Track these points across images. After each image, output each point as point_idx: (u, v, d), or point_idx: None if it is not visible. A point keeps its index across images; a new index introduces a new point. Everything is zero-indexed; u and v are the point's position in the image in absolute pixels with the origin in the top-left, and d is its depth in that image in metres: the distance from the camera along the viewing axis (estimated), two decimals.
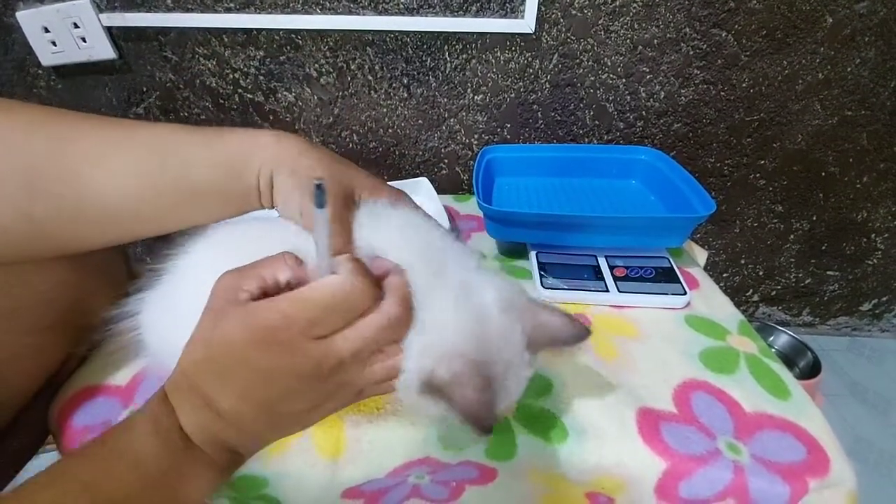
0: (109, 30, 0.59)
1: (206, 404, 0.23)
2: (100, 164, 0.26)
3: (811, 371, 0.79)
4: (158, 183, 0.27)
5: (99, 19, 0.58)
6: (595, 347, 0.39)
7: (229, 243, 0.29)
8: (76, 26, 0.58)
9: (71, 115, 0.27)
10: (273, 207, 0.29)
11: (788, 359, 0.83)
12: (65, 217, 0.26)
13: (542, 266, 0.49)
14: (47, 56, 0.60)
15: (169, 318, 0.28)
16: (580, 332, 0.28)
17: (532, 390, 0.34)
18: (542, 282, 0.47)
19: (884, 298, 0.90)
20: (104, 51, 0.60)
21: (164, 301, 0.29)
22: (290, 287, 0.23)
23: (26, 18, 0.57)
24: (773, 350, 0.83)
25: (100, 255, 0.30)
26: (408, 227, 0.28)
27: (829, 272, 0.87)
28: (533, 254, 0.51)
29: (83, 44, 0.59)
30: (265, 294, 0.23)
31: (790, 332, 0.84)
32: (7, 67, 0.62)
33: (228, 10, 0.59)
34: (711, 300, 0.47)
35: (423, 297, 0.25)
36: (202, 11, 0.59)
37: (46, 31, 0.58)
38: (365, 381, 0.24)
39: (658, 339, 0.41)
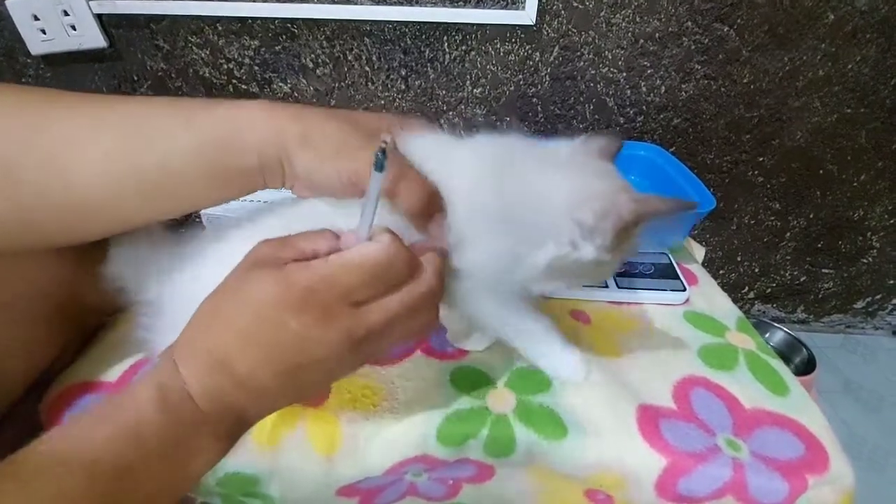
0: (100, 17, 0.58)
1: (223, 367, 0.21)
2: (77, 151, 0.25)
3: (806, 368, 0.80)
4: (140, 169, 0.25)
5: (89, 7, 0.56)
6: (595, 344, 0.39)
7: (270, 232, 0.27)
8: (66, 14, 0.56)
9: (44, 96, 0.26)
10: (283, 187, 0.27)
11: (784, 355, 0.83)
12: (51, 205, 0.25)
13: None
14: (37, 44, 0.58)
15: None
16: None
17: (530, 386, 0.34)
18: None
19: (877, 296, 0.91)
20: (94, 39, 0.58)
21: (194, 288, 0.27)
22: None
23: (16, 6, 0.56)
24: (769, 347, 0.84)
25: (96, 249, 0.29)
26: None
27: (824, 270, 0.88)
28: None
29: (73, 32, 0.58)
30: None
31: (785, 329, 0.84)
32: None
33: None
34: (710, 296, 0.47)
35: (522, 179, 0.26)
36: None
37: (36, 18, 0.56)
38: (387, 346, 0.24)
39: (657, 335, 0.41)
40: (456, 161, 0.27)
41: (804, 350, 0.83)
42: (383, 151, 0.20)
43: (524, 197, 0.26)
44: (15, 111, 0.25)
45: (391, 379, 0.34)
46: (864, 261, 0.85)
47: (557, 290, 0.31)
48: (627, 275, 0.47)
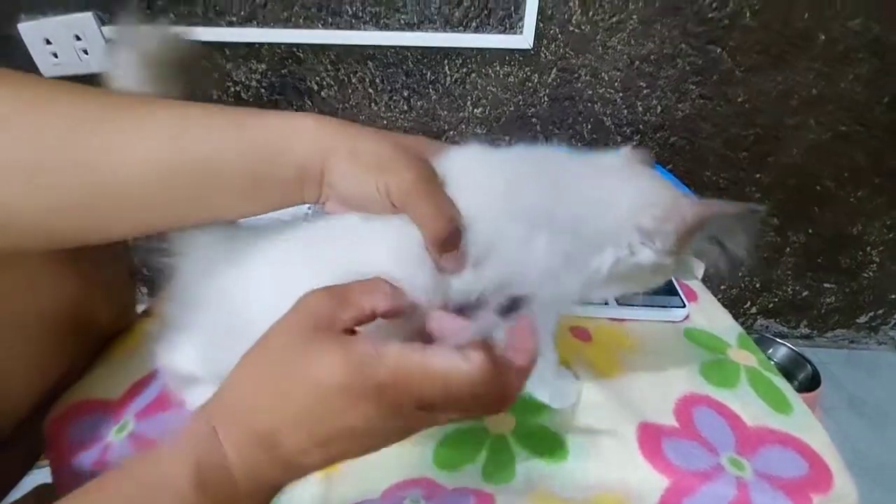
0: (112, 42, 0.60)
1: (270, 445, 0.20)
2: (114, 150, 0.24)
3: (810, 384, 0.79)
4: (178, 168, 0.24)
5: (101, 32, 0.58)
6: (595, 362, 0.39)
7: (295, 254, 0.26)
8: (78, 38, 0.58)
9: (84, 94, 0.25)
10: (317, 202, 0.26)
11: (788, 371, 0.82)
12: (78, 206, 0.24)
13: None
14: (48, 68, 0.60)
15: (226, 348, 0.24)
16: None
17: (529, 406, 0.34)
18: None
19: (880, 311, 0.90)
20: (105, 62, 0.60)
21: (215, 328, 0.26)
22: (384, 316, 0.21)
23: (28, 30, 0.58)
24: (773, 363, 0.83)
25: (106, 269, 0.29)
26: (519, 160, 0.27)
27: (825, 285, 0.88)
28: None
29: (84, 56, 0.60)
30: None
31: (789, 345, 0.84)
32: None
33: (231, 24, 0.60)
34: (710, 313, 0.47)
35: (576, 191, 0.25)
36: (206, 25, 0.59)
37: (48, 42, 0.58)
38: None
39: (658, 352, 0.41)
40: (494, 169, 0.27)
41: (808, 366, 0.82)
42: (512, 307, 0.19)
43: (579, 203, 0.25)
44: (51, 109, 0.24)
45: None
46: (865, 275, 0.85)
47: (612, 294, 0.30)
48: None
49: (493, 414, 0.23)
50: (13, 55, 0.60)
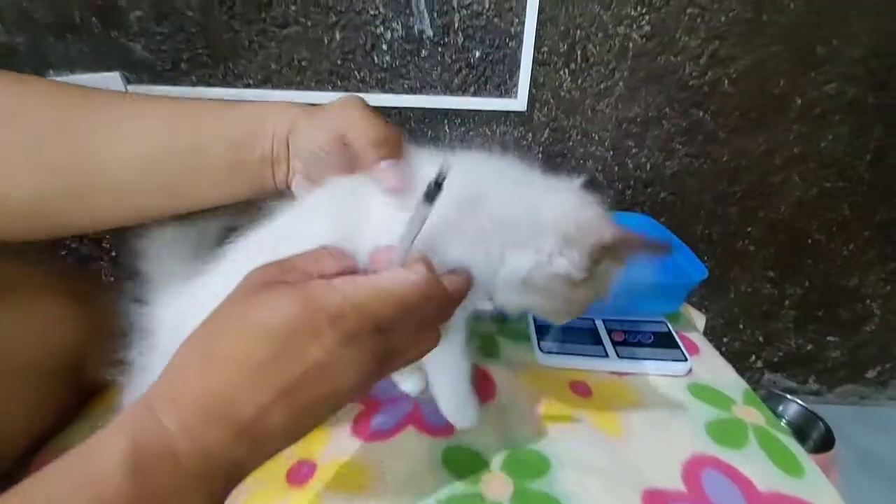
0: None
1: (224, 416, 0.18)
2: (110, 138, 0.26)
3: (824, 444, 0.75)
4: (168, 154, 0.26)
5: (126, 89, 0.63)
6: (596, 420, 0.38)
7: (258, 252, 0.26)
8: None
9: (84, 90, 0.27)
10: (287, 180, 0.27)
11: (800, 430, 0.79)
12: (74, 193, 0.25)
13: (539, 329, 0.49)
14: None
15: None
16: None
17: (527, 471, 0.33)
18: (539, 345, 0.46)
19: (887, 365, 0.88)
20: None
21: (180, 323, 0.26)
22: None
23: None
24: (784, 421, 0.80)
25: (103, 314, 0.30)
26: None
27: (828, 338, 0.86)
28: (530, 316, 0.51)
29: None
30: None
31: (800, 402, 0.81)
32: None
33: (247, 86, 0.64)
34: (713, 367, 0.46)
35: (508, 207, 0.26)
36: (223, 86, 0.64)
37: None
38: (403, 362, 0.23)
39: (661, 409, 0.40)
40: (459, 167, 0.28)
41: (821, 424, 0.79)
42: (438, 184, 0.19)
43: (514, 204, 0.26)
44: (52, 101, 0.26)
45: (380, 458, 0.33)
46: (867, 329, 0.85)
47: (520, 309, 0.30)
48: (627, 343, 0.47)
49: (442, 320, 0.23)
50: None
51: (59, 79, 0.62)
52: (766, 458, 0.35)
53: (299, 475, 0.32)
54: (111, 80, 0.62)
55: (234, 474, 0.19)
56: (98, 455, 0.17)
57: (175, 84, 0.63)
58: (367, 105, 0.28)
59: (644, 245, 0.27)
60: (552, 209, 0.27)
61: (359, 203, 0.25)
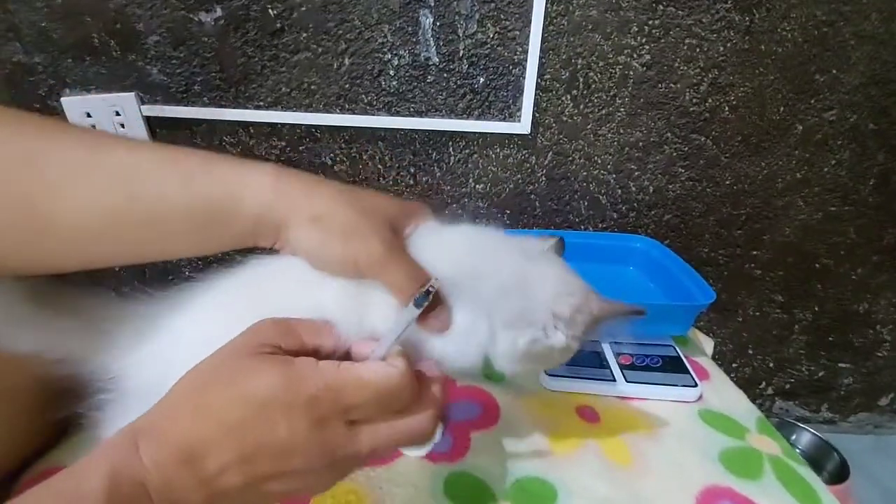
0: (147, 119, 0.66)
1: (193, 462, 0.19)
2: (60, 191, 0.24)
3: (839, 475, 0.72)
4: (124, 219, 0.24)
5: (140, 110, 0.65)
6: (604, 448, 0.37)
7: (241, 304, 0.26)
8: (117, 114, 0.64)
9: (37, 130, 0.25)
10: (273, 247, 0.26)
11: (814, 460, 0.76)
12: (20, 242, 0.24)
13: None
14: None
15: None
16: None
17: (533, 500, 0.32)
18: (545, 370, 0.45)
19: None
20: (139, 135, 0.66)
21: (164, 362, 0.25)
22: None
23: (70, 103, 0.64)
24: (798, 451, 0.77)
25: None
26: (472, 237, 0.30)
27: (840, 364, 0.84)
28: None
29: (121, 129, 0.65)
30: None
31: (812, 431, 0.78)
32: None
33: (258, 107, 0.66)
34: (724, 393, 0.45)
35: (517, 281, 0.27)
36: (235, 107, 0.66)
37: (88, 115, 0.64)
38: (358, 468, 0.23)
39: (672, 436, 0.39)
40: (444, 244, 0.29)
41: (835, 455, 0.76)
42: (428, 294, 0.21)
43: (509, 282, 0.28)
44: (11, 138, 0.24)
45: (379, 483, 0.32)
46: (880, 355, 0.83)
47: (520, 373, 0.31)
48: (634, 367, 0.46)
49: (408, 440, 0.23)
50: None
51: (73, 98, 0.64)
52: (783, 489, 0.34)
53: (295, 501, 0.31)
54: (126, 100, 0.64)
55: None
56: (82, 476, 0.18)
57: (188, 105, 0.65)
58: (397, 240, 0.26)
59: (626, 312, 0.29)
60: (546, 288, 0.28)
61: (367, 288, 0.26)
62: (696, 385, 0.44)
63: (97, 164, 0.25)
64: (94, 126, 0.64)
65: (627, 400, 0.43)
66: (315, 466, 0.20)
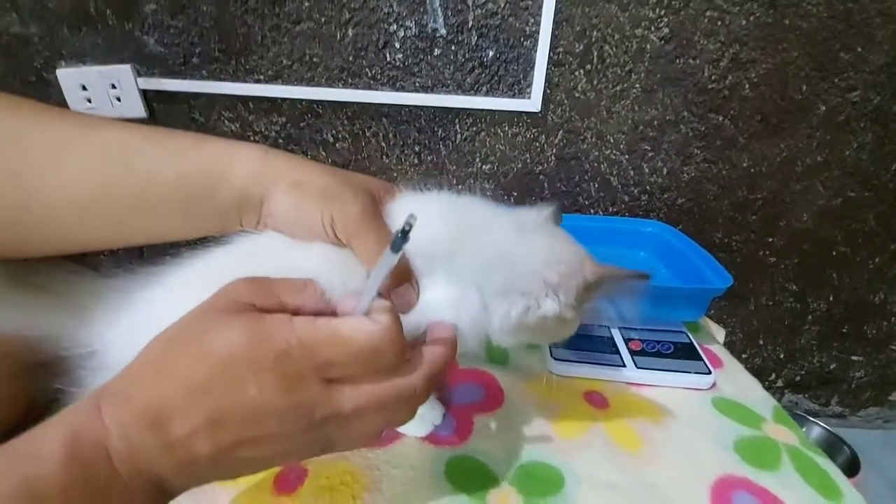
0: (144, 92, 0.64)
1: (157, 425, 0.18)
2: (49, 167, 0.24)
3: (849, 469, 0.71)
4: (115, 192, 0.24)
5: (136, 82, 0.63)
6: (613, 434, 0.35)
7: (221, 276, 0.26)
8: (113, 87, 0.62)
9: (27, 108, 0.25)
10: (256, 227, 0.26)
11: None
12: (8, 221, 0.24)
13: None
14: (81, 111, 0.64)
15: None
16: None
17: (538, 487, 0.30)
18: (551, 352, 0.44)
19: None
20: (135, 110, 0.64)
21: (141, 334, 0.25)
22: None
23: (66, 76, 0.62)
24: None
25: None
26: (451, 203, 0.29)
27: (853, 357, 0.82)
28: None
29: (117, 102, 0.63)
30: None
31: (822, 424, 0.77)
32: None
33: (258, 81, 0.64)
34: (739, 381, 0.43)
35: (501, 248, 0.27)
36: (234, 81, 0.63)
37: (84, 88, 0.62)
38: (346, 439, 0.21)
39: (684, 424, 0.37)
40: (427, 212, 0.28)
41: (846, 449, 0.75)
42: (405, 233, 0.19)
43: (499, 254, 0.27)
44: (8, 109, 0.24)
45: (376, 464, 0.31)
46: (893, 347, 0.80)
47: (515, 345, 0.30)
48: (645, 353, 0.44)
49: (397, 404, 0.21)
50: (49, 97, 0.64)
51: (68, 70, 0.62)
52: (802, 480, 0.33)
53: (287, 481, 0.30)
54: (122, 72, 0.62)
55: (159, 489, 0.19)
56: (41, 438, 0.18)
57: (186, 78, 0.63)
58: (375, 208, 0.26)
59: (626, 276, 0.28)
60: (532, 255, 0.27)
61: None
62: (709, 372, 0.42)
63: (87, 139, 0.25)
64: (89, 100, 0.63)
65: (637, 386, 0.42)
66: (291, 430, 0.19)
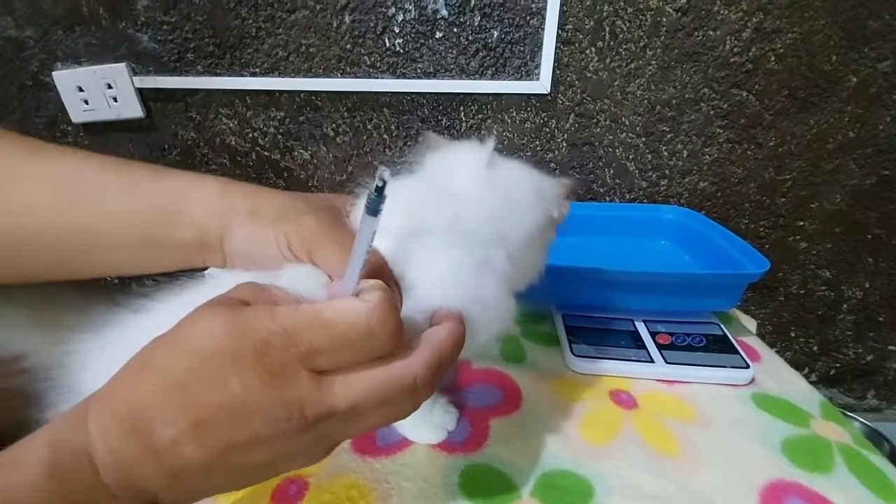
0: (140, 91, 0.62)
1: (139, 432, 0.17)
2: (11, 191, 0.23)
3: None
4: (62, 224, 0.23)
5: (132, 81, 0.61)
6: (646, 435, 0.32)
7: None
8: (109, 87, 0.61)
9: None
10: (225, 266, 0.25)
11: None
12: None
13: (570, 330, 0.43)
14: (78, 113, 0.62)
15: None
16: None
17: (566, 497, 0.27)
18: (571, 348, 0.40)
19: None
20: (133, 110, 0.62)
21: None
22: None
23: (62, 78, 0.61)
24: None
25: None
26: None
27: (890, 347, 0.77)
28: (559, 316, 0.45)
29: (114, 103, 0.62)
30: None
31: (861, 419, 0.72)
32: (39, 123, 0.65)
33: (254, 75, 0.61)
34: (780, 375, 0.40)
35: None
36: (230, 75, 0.61)
37: (80, 90, 0.61)
38: (347, 436, 0.19)
39: (724, 424, 0.34)
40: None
41: (886, 445, 0.70)
42: (379, 190, 0.16)
43: (482, 210, 0.25)
44: None
45: (385, 477, 0.28)
46: None
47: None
48: (674, 347, 0.41)
49: (397, 397, 0.18)
50: (46, 101, 0.63)
51: (64, 71, 0.60)
52: (857, 482, 0.29)
53: (286, 495, 0.27)
54: (118, 71, 0.60)
55: (151, 502, 0.17)
56: (26, 448, 0.17)
57: (181, 74, 0.61)
58: (331, 216, 0.24)
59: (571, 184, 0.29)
60: (532, 182, 0.27)
61: None
62: (747, 366, 0.39)
63: (37, 170, 0.24)
64: (86, 101, 0.61)
65: (668, 383, 0.38)
66: (283, 430, 0.17)
